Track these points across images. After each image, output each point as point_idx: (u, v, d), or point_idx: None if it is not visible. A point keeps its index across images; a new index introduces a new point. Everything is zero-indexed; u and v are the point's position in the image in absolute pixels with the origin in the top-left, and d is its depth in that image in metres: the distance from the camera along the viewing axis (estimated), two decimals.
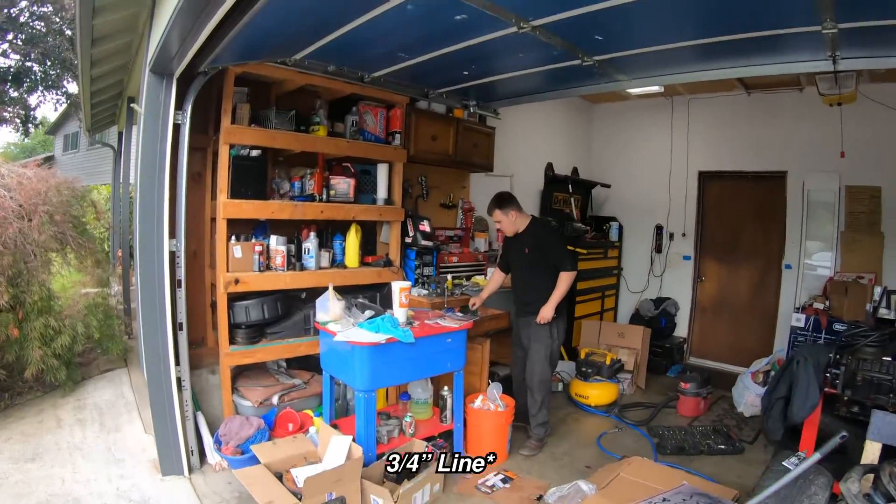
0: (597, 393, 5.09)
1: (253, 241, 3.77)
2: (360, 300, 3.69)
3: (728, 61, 3.46)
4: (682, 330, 6.75)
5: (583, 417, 4.96)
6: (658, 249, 6.84)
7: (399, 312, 3.52)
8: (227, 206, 3.57)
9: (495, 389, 4.09)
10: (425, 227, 4.72)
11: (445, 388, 3.83)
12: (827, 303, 5.06)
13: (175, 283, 3.30)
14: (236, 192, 3.61)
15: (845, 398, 3.36)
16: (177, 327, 3.33)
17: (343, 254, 4.27)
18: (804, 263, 5.93)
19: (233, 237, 3.67)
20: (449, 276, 4.83)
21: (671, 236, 6.80)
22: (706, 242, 6.71)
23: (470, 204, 5.54)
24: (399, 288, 3.52)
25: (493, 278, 4.48)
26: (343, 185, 4.13)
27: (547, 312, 3.97)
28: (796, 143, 5.97)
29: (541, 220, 4.33)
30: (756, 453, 4.23)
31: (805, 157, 5.93)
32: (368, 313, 3.48)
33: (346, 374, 3.38)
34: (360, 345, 3.13)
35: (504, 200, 4.13)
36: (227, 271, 3.61)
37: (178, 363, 3.33)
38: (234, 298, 3.67)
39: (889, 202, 5.50)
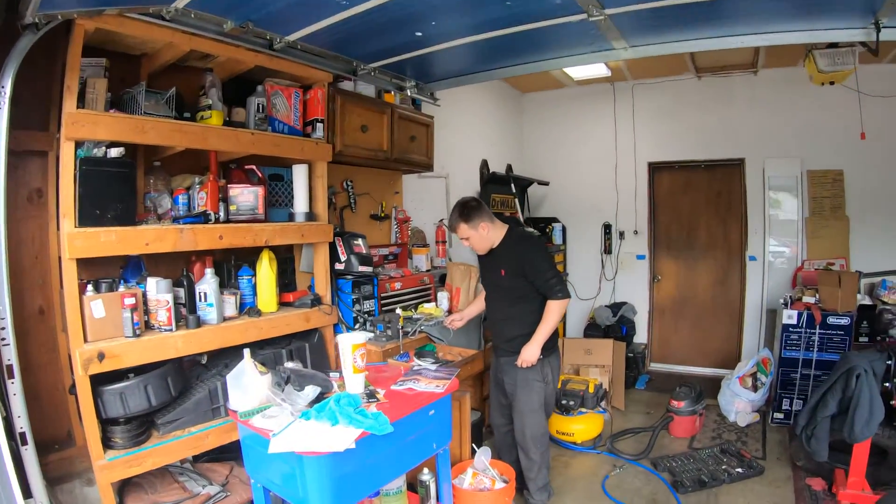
0: (582, 428, 4.33)
1: (121, 289, 2.47)
2: (294, 367, 2.53)
3: (758, 26, 2.89)
4: (642, 336, 6.20)
5: (572, 459, 4.18)
6: (608, 250, 6.20)
7: (354, 382, 2.46)
8: (76, 239, 2.24)
9: (484, 457, 3.15)
10: (361, 247, 3.63)
11: (425, 469, 2.80)
12: (817, 295, 4.63)
13: (3, 372, 2.07)
14: (88, 216, 2.28)
15: None
16: (17, 440, 2.09)
17: (254, 294, 3.08)
18: (769, 253, 5.55)
19: (89, 286, 2.36)
20: (399, 310, 3.76)
21: (622, 235, 6.21)
22: (660, 239, 6.22)
23: (405, 213, 4.49)
24: (351, 345, 2.43)
25: (477, 299, 3.66)
26: (248, 196, 2.93)
27: (530, 354, 3.10)
28: (753, 128, 5.67)
29: (519, 232, 3.37)
30: (775, 471, 3.86)
31: (763, 142, 5.63)
32: (311, 391, 2.34)
33: (292, 492, 2.16)
34: (316, 454, 1.98)
35: (471, 210, 3.18)
36: (86, 341, 2.31)
37: (28, 495, 2.10)
38: (101, 381, 2.36)
39: (852, 185, 5.36)
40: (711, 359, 6.06)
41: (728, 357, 5.91)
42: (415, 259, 4.51)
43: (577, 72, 5.55)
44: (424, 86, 3.90)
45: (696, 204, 6.05)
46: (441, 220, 4.88)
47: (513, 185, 5.65)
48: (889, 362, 3.22)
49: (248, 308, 3.00)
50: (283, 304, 3.24)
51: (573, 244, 6.33)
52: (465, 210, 3.17)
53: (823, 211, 5.48)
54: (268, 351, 3.04)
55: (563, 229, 6.13)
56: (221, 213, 2.78)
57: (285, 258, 3.47)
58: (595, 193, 6.26)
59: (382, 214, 4.27)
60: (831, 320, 4.42)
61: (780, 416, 4.62)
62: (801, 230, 5.58)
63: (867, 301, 4.76)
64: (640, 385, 5.60)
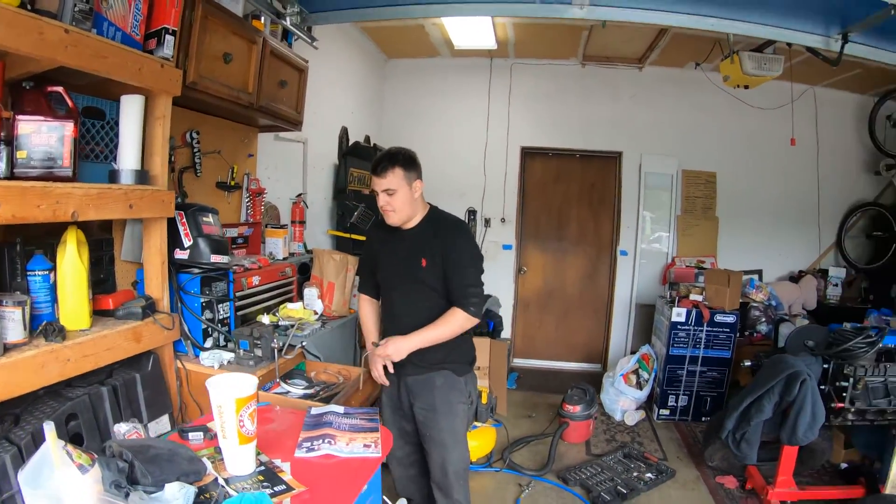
0: (477, 444, 3.79)
1: None
2: (133, 444, 1.57)
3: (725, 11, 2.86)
4: (508, 330, 5.87)
5: (471, 482, 3.56)
6: None
7: (240, 457, 1.64)
8: None
9: None
10: (213, 226, 2.60)
11: None
12: (704, 293, 4.74)
13: None
14: None
15: (852, 409, 3.21)
16: None
17: (54, 300, 1.92)
18: (640, 249, 5.56)
19: None
20: (266, 320, 2.77)
21: (487, 222, 5.79)
22: (528, 229, 5.94)
23: (258, 183, 3.41)
24: (235, 401, 1.59)
25: (366, 310, 2.78)
26: (48, 136, 1.75)
27: (396, 350, 2.47)
28: (633, 123, 5.67)
29: (448, 215, 2.66)
30: (683, 472, 3.89)
31: (642, 138, 5.66)
32: (176, 492, 1.40)
33: None
34: None
35: (412, 160, 2.51)
36: None
37: None
38: None
39: (723, 187, 5.66)
40: (578, 354, 6.01)
41: (594, 352, 5.93)
42: (268, 244, 3.49)
43: (462, 38, 4.91)
44: (308, 15, 2.91)
45: (569, 194, 5.89)
46: (300, 194, 3.88)
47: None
48: (825, 366, 3.27)
49: (44, 324, 1.81)
50: (99, 312, 2.10)
51: None
52: (406, 155, 2.48)
53: (695, 210, 5.68)
54: (79, 392, 1.89)
55: None
56: (2, 163, 1.58)
57: (98, 241, 2.28)
58: (461, 176, 5.76)
59: (233, 183, 3.17)
60: (718, 318, 4.54)
61: (666, 412, 4.72)
62: (673, 227, 5.69)
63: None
64: (510, 384, 5.26)
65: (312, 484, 1.59)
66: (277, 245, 3.49)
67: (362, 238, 4.15)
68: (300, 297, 3.36)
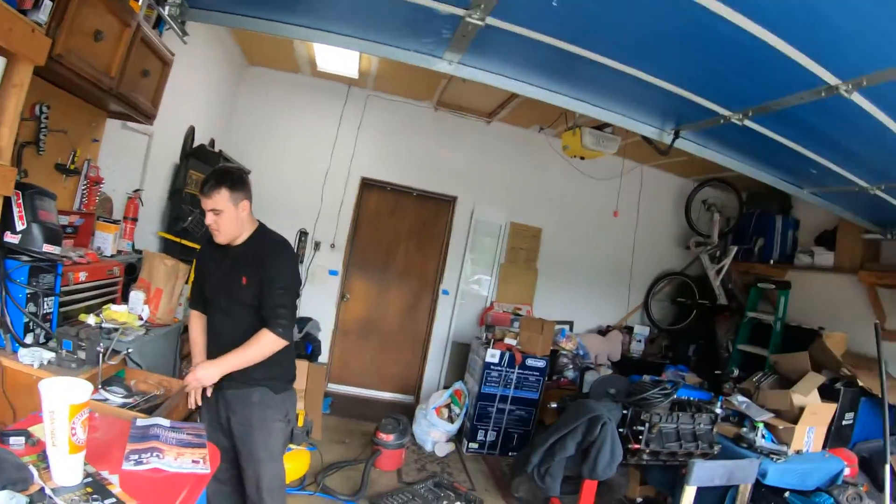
0: (292, 466, 3.76)
1: None
2: None
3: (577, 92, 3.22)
4: (326, 355, 5.86)
5: None
6: (300, 260, 5.61)
7: (68, 466, 1.55)
8: None
9: None
10: (49, 213, 2.40)
11: None
12: (518, 338, 5.18)
13: None
14: None
15: (647, 451, 3.58)
16: None
17: None
18: (462, 290, 5.91)
19: None
20: (92, 320, 2.59)
21: (317, 246, 5.80)
22: (356, 257, 6.06)
23: (98, 172, 3.14)
24: (69, 407, 1.51)
25: (195, 327, 2.77)
26: None
27: (206, 374, 2.47)
28: (472, 171, 6.04)
29: (275, 235, 2.67)
30: (491, 502, 4.17)
31: (478, 186, 6.06)
32: (6, 501, 1.37)
33: None
34: None
35: (240, 179, 2.53)
36: None
37: None
38: None
39: (547, 243, 6.18)
40: (391, 384, 6.14)
41: (407, 384, 6.13)
42: (98, 237, 3.19)
43: (327, 62, 4.98)
44: (188, 9, 2.84)
45: (400, 229, 6.10)
46: (137, 189, 3.62)
47: (221, 164, 4.62)
48: (625, 412, 3.70)
49: None
50: None
51: None
52: (234, 176, 2.50)
53: (518, 260, 6.15)
54: None
55: None
56: None
57: None
58: (298, 195, 5.71)
59: (72, 167, 2.88)
60: (529, 362, 4.96)
61: (475, 445, 5.00)
62: (495, 274, 6.10)
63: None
64: (324, 409, 5.24)
65: (142, 498, 1.55)
66: (107, 240, 3.21)
67: (193, 245, 3.97)
68: (124, 299, 3.12)
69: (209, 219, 2.47)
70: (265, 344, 2.43)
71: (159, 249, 4.05)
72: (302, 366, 4.72)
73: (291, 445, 3.81)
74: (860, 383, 4.15)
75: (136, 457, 1.74)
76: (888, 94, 2.21)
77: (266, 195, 5.47)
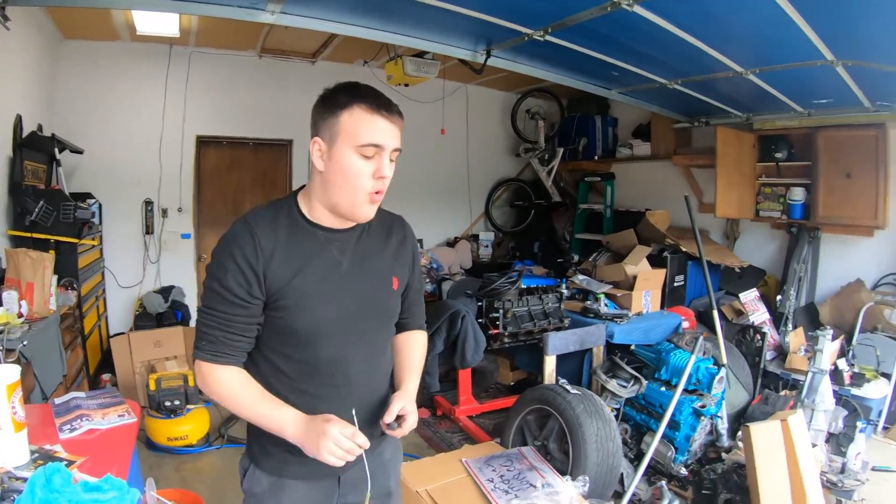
0: (192, 427, 4.05)
1: None
2: None
3: (394, 26, 3.48)
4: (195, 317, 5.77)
5: (198, 463, 3.91)
6: (150, 230, 5.58)
7: (16, 445, 1.68)
8: None
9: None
10: None
11: None
12: None
13: None
14: None
15: (506, 333, 4.20)
16: None
17: None
18: None
19: None
20: None
21: (165, 212, 5.70)
22: (205, 217, 6.02)
23: None
24: (6, 388, 1.63)
25: (234, 383, 1.51)
26: None
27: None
28: (303, 113, 5.87)
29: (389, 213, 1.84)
30: None
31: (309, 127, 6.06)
32: None
33: None
34: None
35: None
36: None
37: None
38: None
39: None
40: None
41: None
42: None
43: (146, 25, 4.68)
44: None
45: (243, 180, 6.14)
46: None
47: (57, 152, 4.37)
48: (480, 304, 4.28)
49: None
50: None
51: (112, 225, 5.36)
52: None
53: None
54: None
55: (100, 207, 5.06)
56: None
57: None
58: (137, 166, 5.52)
59: None
60: None
61: None
62: None
63: None
64: None
65: (90, 454, 1.80)
66: None
67: (46, 236, 3.81)
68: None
69: (386, 169, 1.55)
70: (423, 344, 1.92)
71: (14, 248, 3.86)
72: (177, 332, 4.91)
73: (189, 406, 4.01)
74: (683, 249, 5.08)
75: (69, 426, 1.98)
76: (663, 4, 2.71)
77: (105, 172, 5.34)
